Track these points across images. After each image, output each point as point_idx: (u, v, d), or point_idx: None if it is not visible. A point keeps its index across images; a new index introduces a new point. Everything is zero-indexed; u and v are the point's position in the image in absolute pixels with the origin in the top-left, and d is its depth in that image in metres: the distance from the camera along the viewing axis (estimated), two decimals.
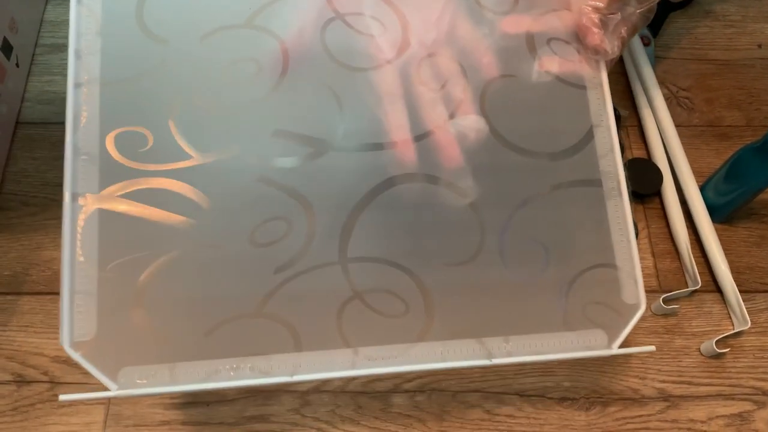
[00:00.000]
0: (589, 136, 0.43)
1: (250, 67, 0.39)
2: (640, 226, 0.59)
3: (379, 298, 0.38)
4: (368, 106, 0.40)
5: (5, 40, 0.60)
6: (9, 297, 0.54)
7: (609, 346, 0.40)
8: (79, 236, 0.36)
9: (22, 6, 0.64)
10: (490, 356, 0.38)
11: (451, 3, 0.43)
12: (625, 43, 0.43)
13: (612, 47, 0.42)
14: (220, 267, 0.37)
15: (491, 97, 0.42)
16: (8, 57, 0.61)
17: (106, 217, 0.36)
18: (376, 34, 0.41)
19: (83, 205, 0.36)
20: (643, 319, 0.55)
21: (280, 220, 0.38)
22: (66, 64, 0.66)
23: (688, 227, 0.58)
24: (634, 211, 0.54)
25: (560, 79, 0.43)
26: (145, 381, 0.35)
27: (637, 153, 0.62)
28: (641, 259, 0.57)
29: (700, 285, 0.55)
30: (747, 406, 0.52)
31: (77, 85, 0.37)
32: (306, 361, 0.36)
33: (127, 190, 0.37)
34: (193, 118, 0.38)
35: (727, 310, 0.56)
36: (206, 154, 0.37)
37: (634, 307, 0.41)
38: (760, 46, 0.69)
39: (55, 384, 0.51)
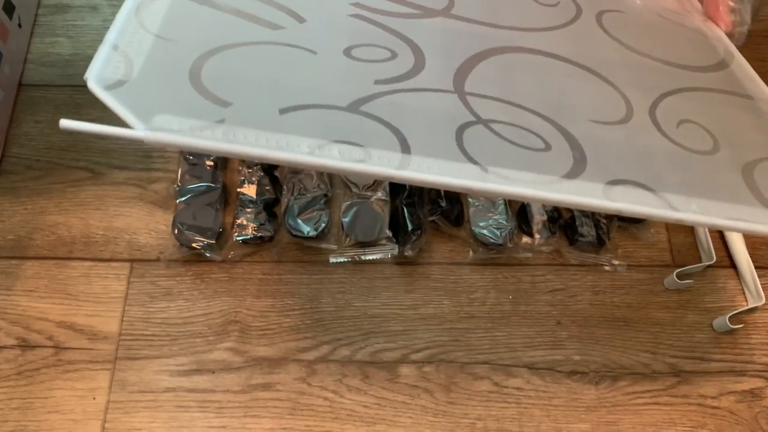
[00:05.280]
0: (722, 65, 0.40)
1: None
2: None
3: (510, 131, 0.33)
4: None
5: None
6: (13, 261, 0.54)
7: None
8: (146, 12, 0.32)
9: None
10: (673, 208, 0.32)
11: None
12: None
13: (742, 20, 0.42)
14: (310, 65, 0.34)
15: (608, 18, 0.40)
16: (10, 17, 0.60)
17: (181, 4, 0.34)
18: None
19: None
20: (655, 293, 0.54)
21: (381, 48, 0.35)
22: (70, 25, 0.64)
23: None
24: None
25: (681, 24, 0.41)
26: (186, 128, 0.29)
27: None
28: (655, 232, 0.56)
29: (714, 260, 0.54)
30: (759, 383, 0.51)
31: None
32: (417, 163, 0.31)
33: None
34: None
35: (741, 285, 0.55)
36: None
37: None
38: None
39: (60, 349, 0.50)
